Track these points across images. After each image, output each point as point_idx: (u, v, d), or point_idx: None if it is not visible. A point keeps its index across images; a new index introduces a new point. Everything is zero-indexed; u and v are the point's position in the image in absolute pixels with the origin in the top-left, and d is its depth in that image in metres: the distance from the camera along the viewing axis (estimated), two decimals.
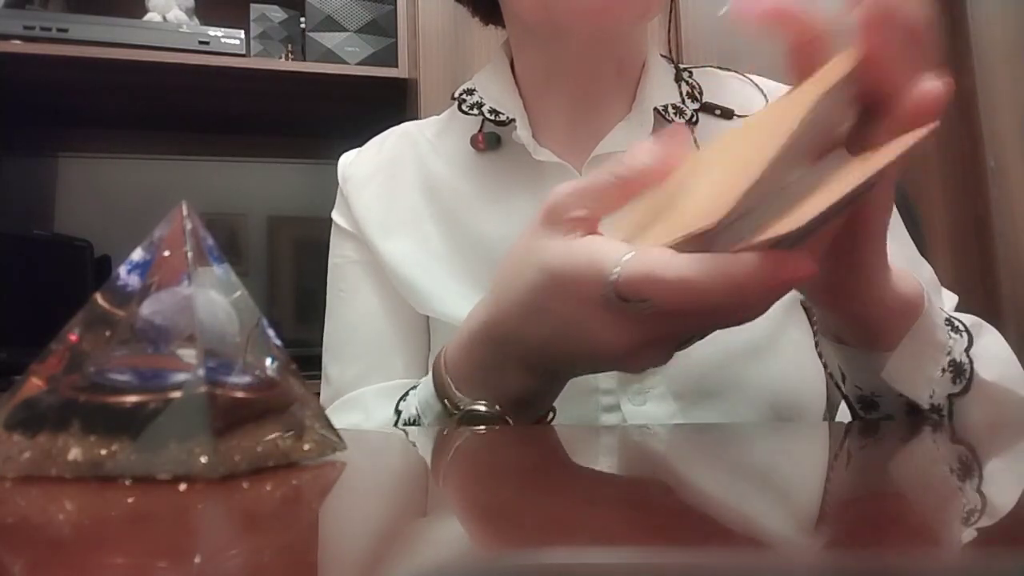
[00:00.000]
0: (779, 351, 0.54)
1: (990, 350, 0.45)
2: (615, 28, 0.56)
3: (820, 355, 0.48)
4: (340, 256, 0.65)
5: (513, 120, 0.59)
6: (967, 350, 0.43)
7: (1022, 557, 0.13)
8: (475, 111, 0.61)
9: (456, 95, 0.63)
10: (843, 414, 0.54)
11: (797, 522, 0.17)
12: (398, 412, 0.49)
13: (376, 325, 0.62)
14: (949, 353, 0.42)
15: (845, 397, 0.46)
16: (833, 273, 0.37)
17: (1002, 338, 0.49)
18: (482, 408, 0.41)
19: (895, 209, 0.59)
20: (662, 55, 0.64)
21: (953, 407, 0.42)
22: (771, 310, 0.62)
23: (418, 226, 0.61)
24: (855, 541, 0.14)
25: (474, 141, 0.61)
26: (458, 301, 0.57)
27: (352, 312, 0.63)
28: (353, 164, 0.67)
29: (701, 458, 0.28)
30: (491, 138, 0.61)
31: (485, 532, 0.16)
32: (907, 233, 0.60)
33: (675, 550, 0.14)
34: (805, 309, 0.59)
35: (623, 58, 0.59)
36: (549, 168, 0.58)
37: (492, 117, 0.60)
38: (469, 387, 0.42)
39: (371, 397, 0.58)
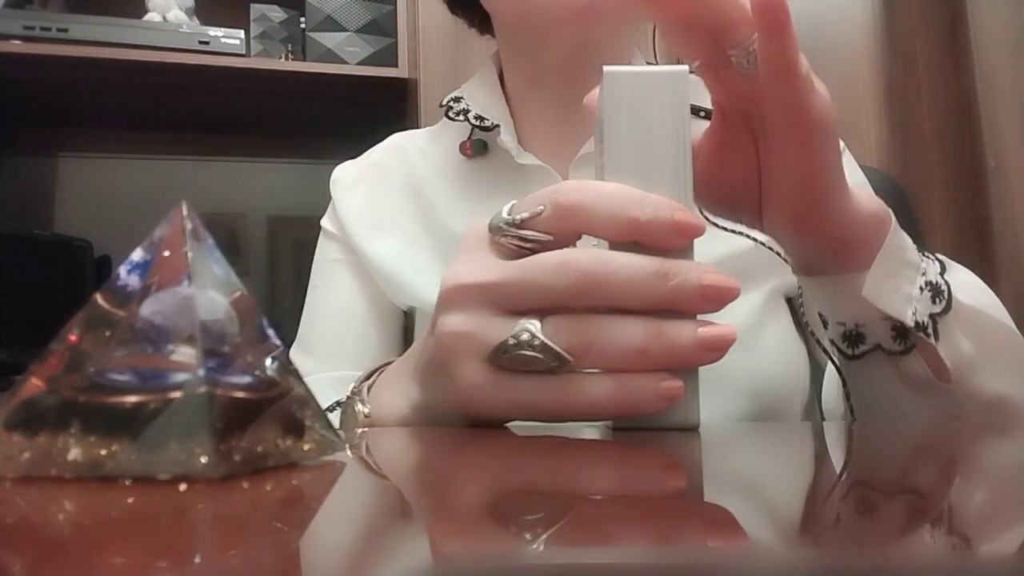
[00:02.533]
0: (762, 342, 0.55)
1: (963, 279, 0.45)
2: (593, 32, 0.58)
3: (803, 316, 0.47)
4: (322, 256, 0.69)
5: (498, 126, 0.61)
6: (941, 274, 0.43)
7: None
8: (461, 117, 0.63)
9: (444, 102, 0.66)
10: (829, 409, 0.55)
11: (797, 521, 0.17)
12: (333, 405, 0.51)
13: (345, 316, 0.65)
14: (924, 274, 0.41)
15: (830, 356, 0.45)
16: (791, 195, 0.37)
17: (972, 273, 0.49)
18: (359, 408, 0.44)
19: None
20: (648, 62, 0.65)
21: (938, 328, 0.41)
22: (753, 303, 0.63)
23: (403, 225, 0.64)
24: (850, 540, 0.14)
25: (462, 148, 0.64)
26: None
27: (324, 303, 0.67)
28: (343, 170, 0.70)
29: (693, 457, 0.28)
30: (478, 145, 0.63)
31: (486, 532, 0.16)
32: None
33: (675, 550, 0.14)
34: (788, 301, 0.60)
35: (606, 61, 0.61)
36: (532, 171, 0.61)
37: (477, 123, 0.62)
38: (374, 396, 0.45)
39: (322, 385, 0.59)
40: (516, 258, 0.34)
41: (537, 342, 0.32)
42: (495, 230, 0.35)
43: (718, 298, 0.32)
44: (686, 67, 0.34)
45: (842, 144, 0.61)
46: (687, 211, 0.32)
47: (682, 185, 0.33)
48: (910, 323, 0.40)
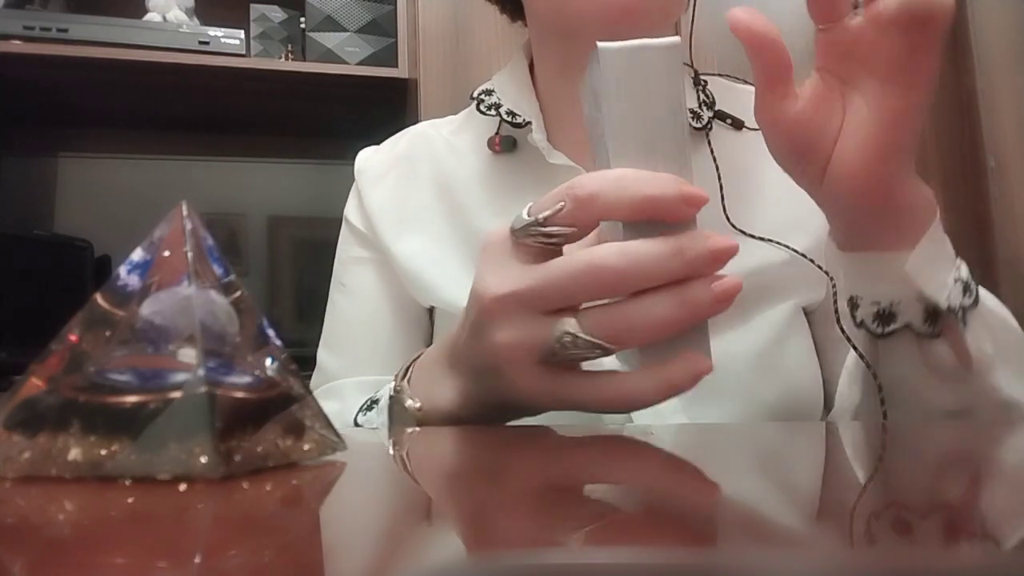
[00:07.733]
0: (782, 359, 0.56)
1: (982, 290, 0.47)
2: (634, 32, 0.56)
3: (836, 314, 0.47)
4: (346, 253, 0.67)
5: (529, 123, 0.60)
6: (971, 276, 0.45)
7: None
8: (493, 112, 0.62)
9: (475, 95, 0.65)
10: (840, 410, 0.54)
11: (808, 521, 0.17)
12: (367, 403, 0.51)
13: (371, 321, 0.64)
14: (958, 268, 0.44)
15: (854, 345, 0.46)
16: (870, 142, 0.39)
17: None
18: (410, 403, 0.45)
19: None
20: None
21: (967, 318, 0.43)
22: (777, 318, 0.63)
23: (430, 223, 0.63)
24: (863, 541, 0.14)
25: (491, 143, 0.63)
26: (464, 292, 0.58)
27: (350, 306, 0.66)
28: (369, 160, 0.69)
29: (703, 459, 0.28)
30: (507, 141, 0.63)
31: (485, 532, 0.16)
32: None
33: (676, 551, 0.14)
34: (807, 315, 0.60)
35: None
36: (563, 172, 0.59)
37: (509, 119, 0.61)
38: (417, 391, 0.46)
39: (351, 388, 0.60)
40: (540, 256, 0.37)
41: (580, 341, 0.35)
42: (519, 232, 0.37)
43: (724, 257, 0.34)
44: (678, 38, 0.35)
45: None
46: (689, 183, 0.34)
47: (682, 152, 0.35)
48: (944, 306, 0.42)
